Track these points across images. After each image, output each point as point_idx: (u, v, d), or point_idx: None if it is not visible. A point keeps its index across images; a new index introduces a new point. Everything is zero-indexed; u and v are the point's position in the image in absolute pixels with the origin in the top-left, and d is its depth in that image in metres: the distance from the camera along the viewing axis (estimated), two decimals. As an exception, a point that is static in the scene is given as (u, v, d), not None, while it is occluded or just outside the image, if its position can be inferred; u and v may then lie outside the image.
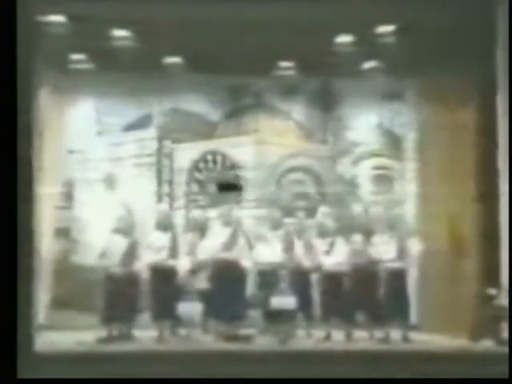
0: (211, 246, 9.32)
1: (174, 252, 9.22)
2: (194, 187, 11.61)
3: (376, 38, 9.54)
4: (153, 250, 9.19)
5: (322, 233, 9.66)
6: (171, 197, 11.50)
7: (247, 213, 11.00)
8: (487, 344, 8.28)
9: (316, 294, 9.52)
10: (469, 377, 7.26)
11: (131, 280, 9.05)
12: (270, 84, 11.38)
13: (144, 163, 11.55)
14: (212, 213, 10.58)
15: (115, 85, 10.93)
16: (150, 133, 11.62)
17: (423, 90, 10.73)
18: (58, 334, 8.96)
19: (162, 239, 9.28)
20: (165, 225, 9.46)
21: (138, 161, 11.54)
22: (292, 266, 9.36)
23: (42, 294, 9.42)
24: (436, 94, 10.24)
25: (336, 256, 9.37)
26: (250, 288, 9.45)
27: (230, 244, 9.28)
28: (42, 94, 9.00)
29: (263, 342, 8.83)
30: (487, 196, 8.88)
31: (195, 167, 11.64)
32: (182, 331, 9.10)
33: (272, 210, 10.55)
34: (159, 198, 11.43)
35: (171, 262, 9.16)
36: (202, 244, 9.47)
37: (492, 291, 8.39)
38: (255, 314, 9.35)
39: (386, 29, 9.41)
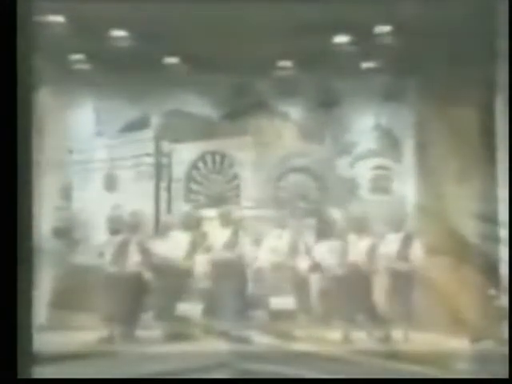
0: (211, 246, 9.34)
1: (190, 252, 9.26)
2: (193, 187, 11.60)
3: (375, 38, 9.54)
4: (167, 249, 9.25)
5: (322, 233, 9.69)
6: (170, 197, 11.49)
7: (247, 213, 11.01)
8: (487, 344, 8.29)
9: (315, 294, 9.53)
10: (469, 377, 7.27)
11: (133, 280, 9.05)
12: (269, 84, 11.38)
13: (143, 163, 11.54)
14: (211, 213, 10.60)
15: (114, 85, 10.93)
16: (149, 133, 11.62)
17: (422, 90, 10.73)
18: (58, 334, 8.98)
19: (179, 238, 9.32)
20: (187, 225, 9.50)
21: (137, 161, 11.54)
22: (293, 266, 9.37)
23: (42, 293, 9.41)
24: (435, 93, 10.25)
25: (335, 256, 9.38)
26: (250, 288, 9.47)
27: (230, 244, 9.29)
28: (41, 95, 8.99)
29: (263, 341, 8.85)
30: (487, 195, 8.89)
31: (194, 167, 11.64)
32: (182, 331, 9.12)
33: (271, 211, 10.57)
34: (158, 199, 11.43)
35: (183, 262, 9.19)
36: (202, 244, 9.49)
37: (492, 291, 8.40)
38: (255, 313, 9.37)
39: (384, 29, 9.41)
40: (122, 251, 9.17)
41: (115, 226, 9.48)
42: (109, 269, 9.06)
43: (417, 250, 9.33)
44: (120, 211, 10.21)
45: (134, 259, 9.18)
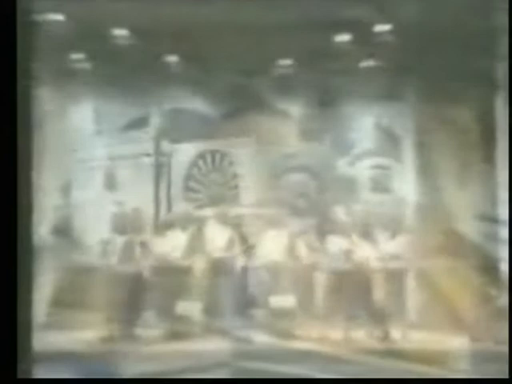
0: (211, 245, 9.34)
1: (189, 251, 9.27)
2: (193, 186, 11.59)
3: (375, 37, 9.53)
4: (166, 248, 9.25)
5: (322, 232, 9.69)
6: (170, 196, 11.49)
7: (247, 212, 11.00)
8: (487, 344, 8.29)
9: (315, 293, 9.53)
10: (469, 377, 7.27)
11: (133, 279, 9.06)
12: (269, 83, 11.36)
13: (143, 162, 11.54)
14: (211, 212, 10.59)
15: (114, 84, 10.91)
16: (149, 132, 11.61)
17: (422, 89, 10.73)
18: (58, 333, 8.97)
19: (179, 237, 9.34)
20: (187, 223, 9.52)
21: (136, 160, 11.53)
22: (292, 264, 9.38)
23: (42, 293, 9.41)
24: (435, 93, 10.25)
25: (336, 255, 9.38)
26: (250, 287, 9.47)
27: (230, 243, 9.30)
28: (41, 94, 8.98)
29: (263, 340, 8.85)
30: (487, 195, 8.90)
31: (194, 166, 11.63)
32: (182, 330, 9.12)
33: (271, 210, 10.56)
34: (157, 198, 11.41)
35: (183, 261, 9.21)
36: (202, 243, 9.49)
37: (492, 291, 8.41)
38: (255, 312, 9.37)
39: (385, 27, 9.41)
40: (122, 250, 9.18)
41: (116, 225, 9.49)
42: (109, 267, 9.07)
43: (416, 249, 9.32)
44: (121, 210, 10.20)
45: (135, 258, 9.18)
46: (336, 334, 9.18)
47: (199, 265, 9.32)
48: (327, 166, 11.65)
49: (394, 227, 9.59)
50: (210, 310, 9.08)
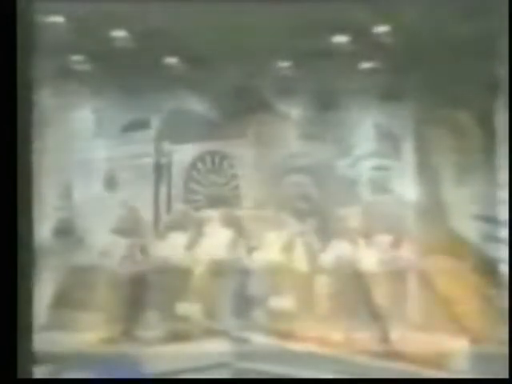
0: (211, 246, 9.35)
1: (190, 252, 9.28)
2: (193, 187, 11.60)
3: (374, 38, 9.54)
4: (167, 249, 9.26)
5: (322, 233, 9.69)
6: (169, 197, 11.49)
7: (247, 213, 11.00)
8: (487, 344, 8.29)
9: (316, 295, 9.54)
10: (469, 377, 7.27)
11: (134, 280, 9.08)
12: (269, 84, 11.37)
13: (143, 164, 11.54)
14: (211, 213, 10.59)
15: (114, 85, 10.93)
16: (149, 133, 11.61)
17: (422, 90, 10.74)
18: (58, 333, 8.98)
19: (179, 239, 9.34)
20: (187, 225, 9.52)
21: (137, 161, 11.53)
22: (292, 266, 9.38)
23: (43, 293, 9.42)
24: (435, 93, 10.26)
25: (336, 256, 9.39)
26: (250, 288, 9.48)
27: (230, 244, 9.30)
28: (41, 95, 8.99)
29: (262, 341, 8.86)
30: (487, 195, 8.90)
31: (194, 168, 11.63)
32: (182, 331, 9.13)
33: (272, 211, 10.56)
34: (158, 199, 11.42)
35: (183, 262, 9.22)
36: (202, 244, 9.51)
37: (492, 291, 8.41)
38: (255, 313, 9.38)
39: (384, 28, 9.42)
40: (124, 251, 9.19)
41: (117, 226, 9.50)
42: (110, 268, 9.07)
43: (416, 250, 9.32)
44: (122, 211, 10.21)
45: (136, 259, 9.19)
46: (336, 335, 9.19)
47: (199, 266, 9.33)
48: (328, 168, 11.64)
49: (394, 228, 9.57)
50: (210, 311, 9.09)
